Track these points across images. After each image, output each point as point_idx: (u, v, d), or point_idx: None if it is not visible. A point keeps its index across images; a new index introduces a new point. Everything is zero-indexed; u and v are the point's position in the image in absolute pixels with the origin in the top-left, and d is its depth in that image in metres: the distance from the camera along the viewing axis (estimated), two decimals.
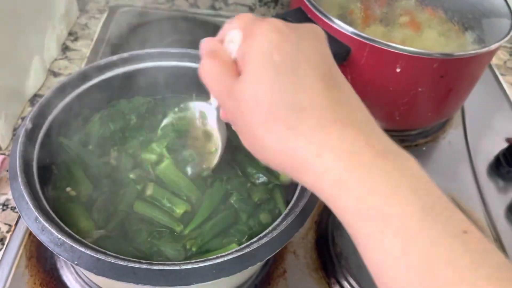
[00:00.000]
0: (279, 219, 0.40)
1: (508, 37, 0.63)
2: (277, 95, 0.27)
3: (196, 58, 0.54)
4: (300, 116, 0.27)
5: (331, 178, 0.26)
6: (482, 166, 0.70)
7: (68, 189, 0.45)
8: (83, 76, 0.49)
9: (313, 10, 0.62)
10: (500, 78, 0.88)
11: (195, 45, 0.82)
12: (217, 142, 0.45)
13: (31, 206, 0.37)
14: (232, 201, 0.46)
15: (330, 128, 0.26)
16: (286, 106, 0.27)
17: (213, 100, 0.41)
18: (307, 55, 0.28)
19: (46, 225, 0.36)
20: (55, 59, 0.78)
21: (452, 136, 0.75)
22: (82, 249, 0.35)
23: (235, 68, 0.30)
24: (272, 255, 0.38)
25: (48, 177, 0.45)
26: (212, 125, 0.44)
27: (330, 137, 0.26)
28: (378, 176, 0.25)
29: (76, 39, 0.83)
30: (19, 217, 0.54)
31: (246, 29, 0.30)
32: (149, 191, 0.45)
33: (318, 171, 0.26)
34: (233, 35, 0.31)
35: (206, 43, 0.33)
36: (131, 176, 0.46)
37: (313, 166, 0.26)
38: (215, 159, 0.46)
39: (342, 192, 0.26)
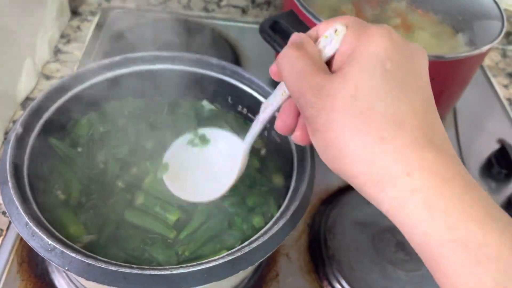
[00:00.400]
0: (270, 223, 0.40)
1: (499, 39, 0.63)
2: (380, 100, 0.26)
3: (190, 62, 0.54)
4: (397, 129, 0.25)
5: (419, 200, 0.24)
6: (474, 167, 0.71)
7: (58, 192, 0.45)
8: (75, 80, 0.49)
9: (305, 12, 0.62)
10: (492, 79, 0.88)
11: (188, 48, 0.82)
12: (235, 173, 0.43)
13: (21, 211, 0.37)
14: (226, 205, 0.46)
15: (425, 149, 0.25)
16: (386, 115, 0.25)
17: (249, 139, 0.41)
18: (416, 73, 0.28)
19: (37, 230, 0.36)
20: (47, 62, 0.77)
21: None
22: (73, 255, 0.35)
23: (323, 66, 0.29)
24: (263, 259, 0.38)
25: (39, 180, 0.45)
26: (237, 158, 0.43)
27: (424, 157, 0.25)
28: (471, 204, 0.24)
29: (68, 42, 0.82)
30: (10, 222, 0.54)
31: (357, 26, 0.29)
32: (139, 200, 0.45)
33: (405, 190, 0.25)
34: (338, 28, 0.29)
35: (295, 36, 0.31)
36: (120, 184, 0.46)
37: (399, 183, 0.25)
38: (226, 187, 0.44)
39: (430, 217, 0.24)
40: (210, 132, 0.47)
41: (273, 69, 0.33)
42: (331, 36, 0.29)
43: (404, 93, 0.26)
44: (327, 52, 0.29)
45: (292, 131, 0.33)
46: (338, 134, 0.26)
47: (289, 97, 0.33)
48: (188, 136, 0.47)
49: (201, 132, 0.47)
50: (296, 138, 0.33)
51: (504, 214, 0.25)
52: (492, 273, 0.22)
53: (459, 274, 0.23)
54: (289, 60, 0.29)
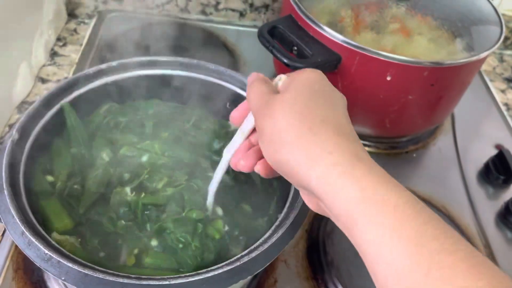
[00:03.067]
0: (269, 232, 0.40)
1: (498, 45, 0.63)
2: (309, 107, 0.34)
3: (187, 67, 0.54)
4: (322, 124, 0.33)
5: (340, 171, 0.31)
6: (472, 172, 0.71)
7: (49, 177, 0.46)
8: (71, 85, 0.49)
9: (303, 17, 0.62)
10: (489, 84, 0.88)
11: (186, 51, 0.81)
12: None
13: (17, 220, 0.36)
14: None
15: (343, 138, 0.33)
16: (314, 115, 0.34)
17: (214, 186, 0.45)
18: (337, 96, 0.37)
19: (33, 239, 0.35)
20: (43, 65, 0.77)
21: (442, 143, 0.75)
22: (70, 265, 0.34)
23: (276, 90, 0.37)
24: (263, 268, 0.37)
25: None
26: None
27: (342, 143, 0.32)
28: (377, 173, 0.31)
29: (64, 45, 0.82)
30: (5, 229, 0.53)
31: (292, 73, 0.38)
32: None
33: (329, 164, 0.32)
34: (281, 76, 0.38)
35: (257, 75, 0.40)
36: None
37: (325, 159, 0.32)
38: None
39: (348, 182, 0.31)
40: None
41: (234, 115, 0.42)
42: (281, 79, 0.38)
43: (326, 104, 0.35)
44: (279, 87, 0.38)
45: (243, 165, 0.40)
46: (279, 130, 0.34)
47: (247, 137, 0.41)
48: None
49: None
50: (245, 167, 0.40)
51: (398, 183, 0.31)
52: (390, 220, 0.29)
53: (368, 225, 0.30)
54: (255, 87, 0.38)
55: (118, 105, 0.53)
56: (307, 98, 0.35)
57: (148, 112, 0.53)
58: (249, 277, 0.50)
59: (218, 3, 0.91)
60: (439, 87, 0.62)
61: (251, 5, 0.92)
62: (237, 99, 0.54)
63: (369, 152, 0.71)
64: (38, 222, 0.39)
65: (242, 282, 0.48)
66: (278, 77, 0.39)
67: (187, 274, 0.36)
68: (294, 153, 0.33)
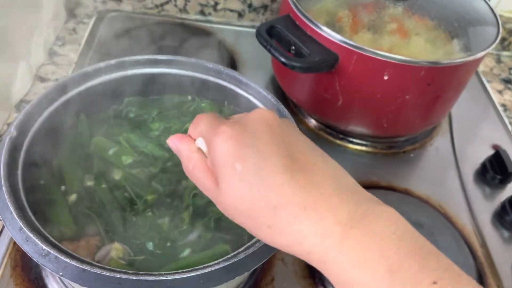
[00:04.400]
0: None
1: (494, 45, 0.63)
2: (250, 202, 0.30)
3: (186, 66, 0.54)
4: (274, 214, 0.30)
5: (315, 259, 0.30)
6: (469, 172, 0.71)
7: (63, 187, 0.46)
8: (70, 83, 0.49)
9: (301, 17, 0.62)
10: (487, 85, 0.89)
11: (185, 51, 0.82)
12: None
13: (15, 216, 0.36)
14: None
15: (301, 217, 0.29)
16: (261, 209, 0.30)
17: None
18: (264, 150, 0.31)
19: (31, 235, 0.36)
20: (42, 64, 0.77)
21: (439, 143, 0.76)
22: (67, 260, 0.35)
23: (210, 170, 0.34)
24: (260, 265, 0.38)
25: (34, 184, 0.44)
26: None
27: (303, 225, 0.29)
28: (349, 249, 0.28)
29: (63, 44, 0.82)
30: (3, 226, 0.54)
31: (206, 138, 0.34)
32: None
33: (304, 255, 0.30)
34: (200, 143, 0.35)
35: (183, 145, 0.36)
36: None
37: (298, 251, 0.30)
38: None
39: (325, 269, 0.30)
40: None
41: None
42: (202, 147, 0.35)
43: (263, 180, 0.30)
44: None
45: None
46: (246, 227, 0.33)
47: None
48: None
49: None
50: None
51: (376, 244, 0.28)
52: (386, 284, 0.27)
53: None
54: (192, 174, 0.35)
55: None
56: (241, 192, 0.31)
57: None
58: (246, 274, 0.50)
59: (216, 3, 0.91)
60: (435, 87, 0.62)
61: (250, 5, 0.92)
62: (235, 97, 0.54)
63: (366, 152, 0.72)
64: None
65: (239, 279, 0.48)
66: (198, 142, 0.35)
67: (184, 270, 0.36)
68: (274, 244, 0.32)
